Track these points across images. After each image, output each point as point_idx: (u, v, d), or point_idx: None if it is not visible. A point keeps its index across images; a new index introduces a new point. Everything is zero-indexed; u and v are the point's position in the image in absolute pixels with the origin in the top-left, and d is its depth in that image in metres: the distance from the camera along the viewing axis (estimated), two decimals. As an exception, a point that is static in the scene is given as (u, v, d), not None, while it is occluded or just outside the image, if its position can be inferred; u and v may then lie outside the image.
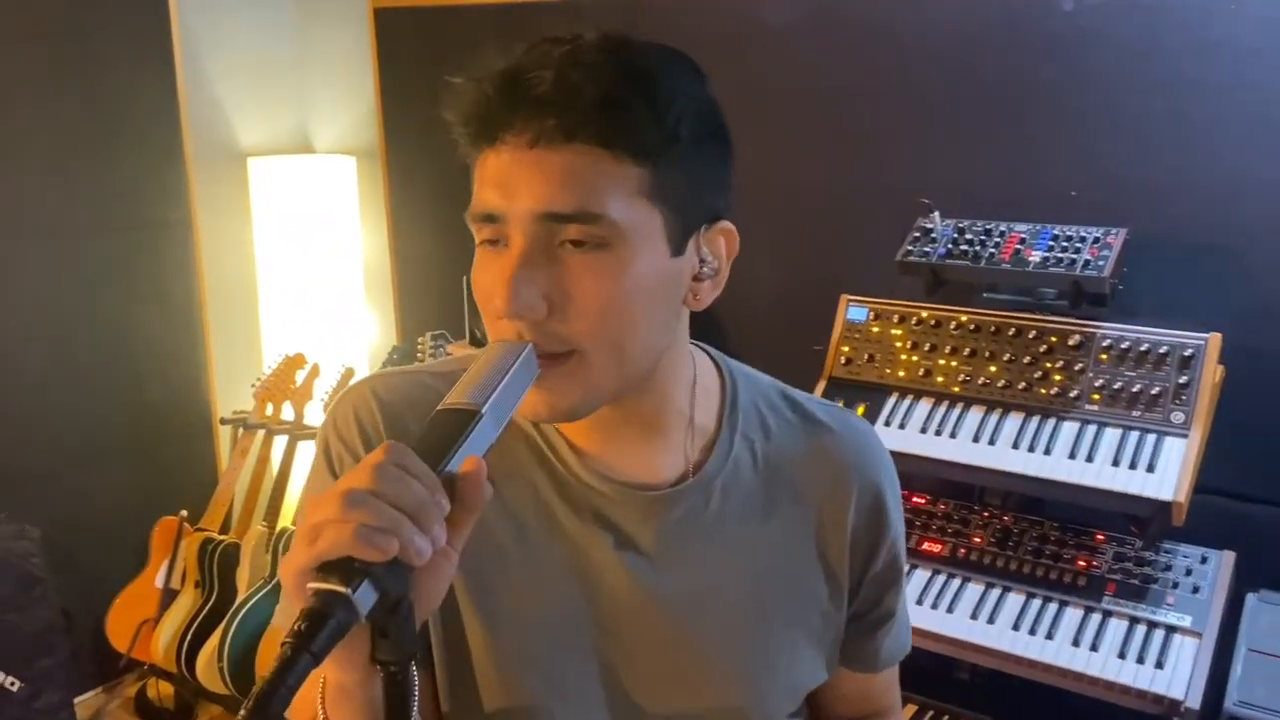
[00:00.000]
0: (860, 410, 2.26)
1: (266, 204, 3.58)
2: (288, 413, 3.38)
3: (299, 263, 3.58)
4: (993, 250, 2.17)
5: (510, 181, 0.84)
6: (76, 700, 3.03)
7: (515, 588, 0.95)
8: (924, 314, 2.30)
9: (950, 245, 2.21)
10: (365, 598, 0.66)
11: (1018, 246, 2.16)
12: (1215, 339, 2.02)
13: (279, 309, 3.63)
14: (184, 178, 3.39)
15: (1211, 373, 2.00)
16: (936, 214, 2.26)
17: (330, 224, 3.60)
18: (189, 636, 3.10)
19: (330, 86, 3.69)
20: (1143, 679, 1.88)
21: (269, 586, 3.05)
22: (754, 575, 1.01)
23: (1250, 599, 2.03)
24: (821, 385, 2.36)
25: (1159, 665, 1.89)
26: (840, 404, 1.16)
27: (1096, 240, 2.10)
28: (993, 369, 2.19)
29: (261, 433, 3.35)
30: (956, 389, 2.21)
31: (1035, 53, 2.41)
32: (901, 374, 2.29)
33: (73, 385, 3.18)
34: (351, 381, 1.12)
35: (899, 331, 2.31)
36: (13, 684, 2.81)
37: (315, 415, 3.32)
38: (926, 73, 2.54)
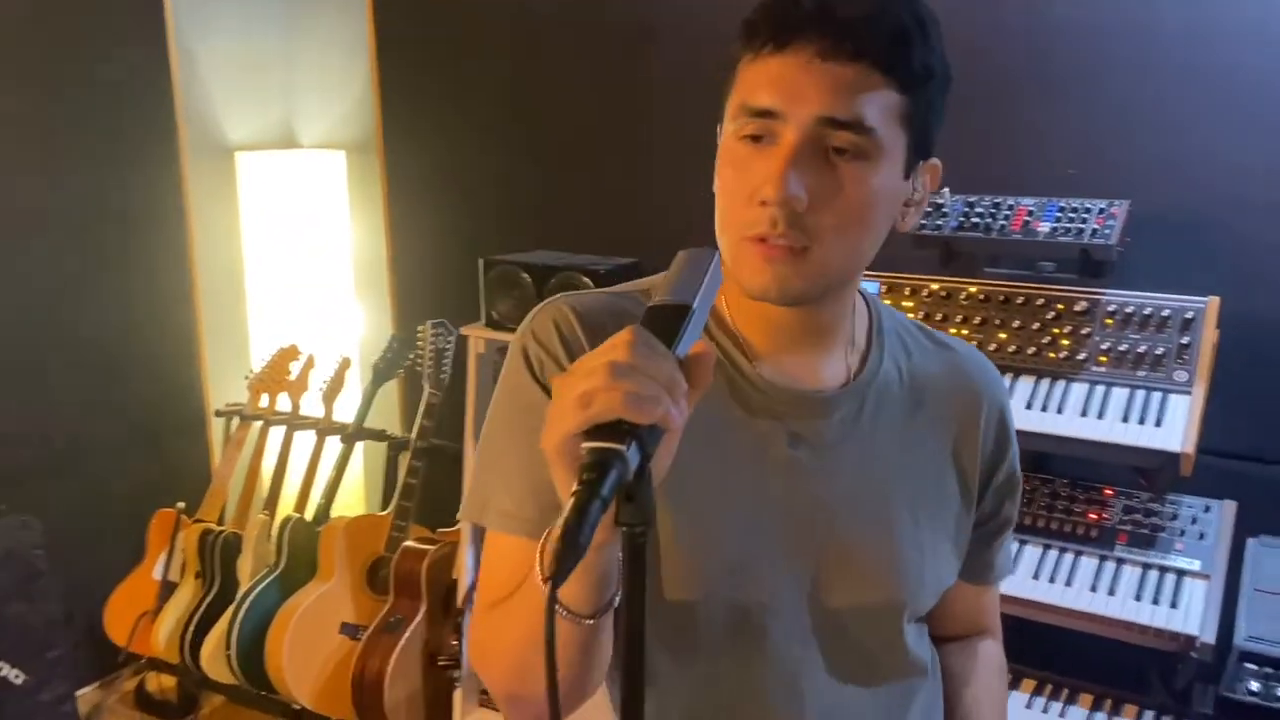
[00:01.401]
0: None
1: (254, 198, 3.59)
2: (282, 403, 3.38)
3: (287, 257, 3.59)
4: (1003, 222, 2.29)
5: (795, 85, 0.93)
6: (76, 694, 2.99)
7: (699, 480, 1.02)
8: (934, 286, 2.41)
9: (961, 219, 2.32)
10: (633, 456, 0.72)
11: (1026, 218, 2.28)
12: (1214, 302, 2.15)
13: (268, 302, 3.64)
14: (177, 172, 3.39)
15: (1212, 333, 2.14)
16: (946, 189, 2.37)
17: (319, 218, 3.62)
18: (192, 627, 3.09)
19: (320, 80, 3.70)
20: (1159, 618, 2.00)
21: (275, 573, 3.05)
22: (903, 478, 1.10)
23: (1251, 544, 2.17)
24: (836, 356, 2.45)
25: (1173, 605, 2.01)
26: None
27: (1101, 211, 2.23)
28: (1003, 336, 2.30)
29: (258, 424, 3.35)
30: (969, 356, 2.32)
31: (1034, 35, 2.54)
32: (914, 343, 2.39)
33: (66, 377, 3.16)
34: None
35: (910, 304, 2.42)
36: (18, 676, 2.78)
37: (312, 405, 3.33)
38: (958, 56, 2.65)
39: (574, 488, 0.70)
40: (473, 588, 2.79)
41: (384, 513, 3.12)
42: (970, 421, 1.15)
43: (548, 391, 1.01)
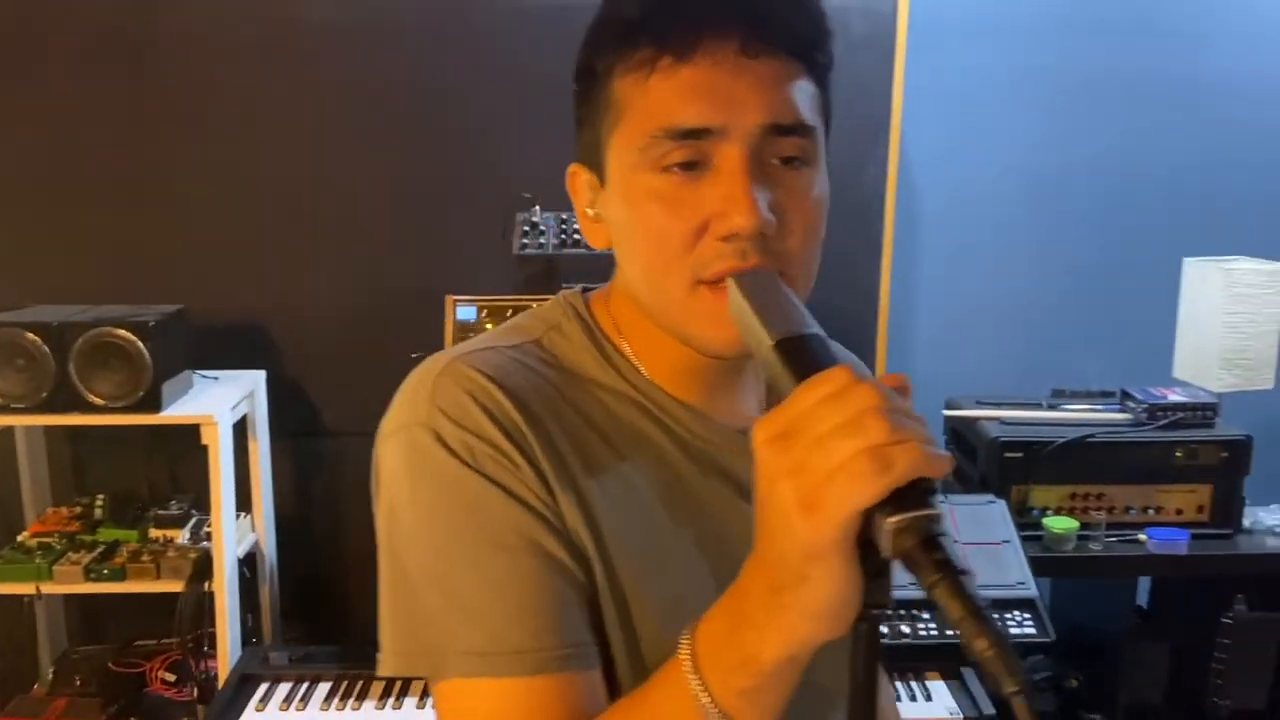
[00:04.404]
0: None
1: None
2: None
3: None
4: (605, 237, 2.32)
5: (725, 91, 0.78)
6: None
7: (665, 553, 0.87)
8: (534, 306, 2.36)
9: (562, 236, 2.31)
10: None
11: (623, 231, 2.34)
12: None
13: None
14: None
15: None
16: (537, 206, 2.35)
17: None
18: None
19: None
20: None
21: None
22: None
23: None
24: (446, 389, 2.31)
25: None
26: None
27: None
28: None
29: None
30: (581, 372, 2.32)
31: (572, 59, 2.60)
32: (525, 365, 2.33)
33: None
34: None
35: (513, 326, 2.35)
36: None
37: None
38: (510, 70, 2.59)
39: (932, 577, 0.56)
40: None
41: None
42: None
43: (498, 484, 0.79)
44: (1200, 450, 2.45)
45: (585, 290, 0.97)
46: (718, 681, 0.68)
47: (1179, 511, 2.47)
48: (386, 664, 0.83)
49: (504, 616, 0.78)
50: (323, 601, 2.72)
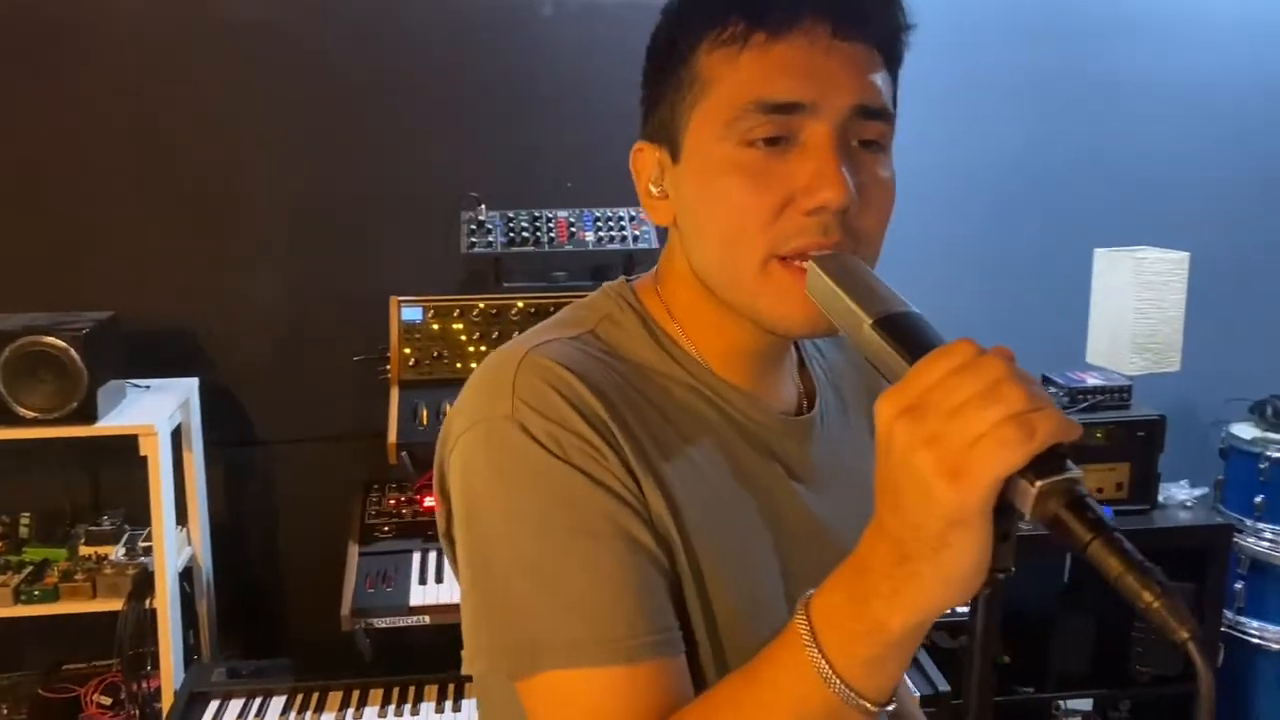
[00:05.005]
0: (447, 408, 2.25)
1: None
2: None
3: None
4: (552, 235, 2.32)
5: (824, 71, 0.79)
6: None
7: (726, 521, 0.89)
8: (482, 304, 2.35)
9: (510, 234, 2.30)
10: None
11: (570, 230, 2.34)
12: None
13: None
14: None
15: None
16: (483, 205, 2.33)
17: None
18: None
19: None
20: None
21: None
22: (867, 483, 1.06)
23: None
24: (395, 391, 2.27)
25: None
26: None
27: (633, 218, 2.37)
28: (560, 346, 2.33)
29: None
30: (530, 370, 2.31)
31: (520, 54, 2.58)
32: (474, 365, 2.31)
33: None
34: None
35: (460, 325, 2.33)
36: None
37: None
38: (432, 73, 2.56)
39: (1087, 537, 0.59)
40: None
41: None
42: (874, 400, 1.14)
43: (587, 474, 0.80)
44: (1118, 431, 2.59)
45: (628, 279, 0.98)
46: (841, 652, 0.70)
47: (1100, 490, 2.59)
48: (476, 661, 0.83)
49: (601, 605, 0.78)
50: (260, 615, 2.64)
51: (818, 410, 1.00)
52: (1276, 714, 2.75)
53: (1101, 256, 2.75)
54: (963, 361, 0.64)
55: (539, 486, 0.80)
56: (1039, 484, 0.61)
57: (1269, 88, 3.03)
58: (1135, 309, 2.66)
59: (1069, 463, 0.62)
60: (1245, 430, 2.74)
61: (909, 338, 0.72)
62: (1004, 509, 0.63)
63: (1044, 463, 0.61)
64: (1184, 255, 2.66)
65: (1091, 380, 2.67)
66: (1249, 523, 2.68)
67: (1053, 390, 2.64)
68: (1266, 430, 2.71)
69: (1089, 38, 2.93)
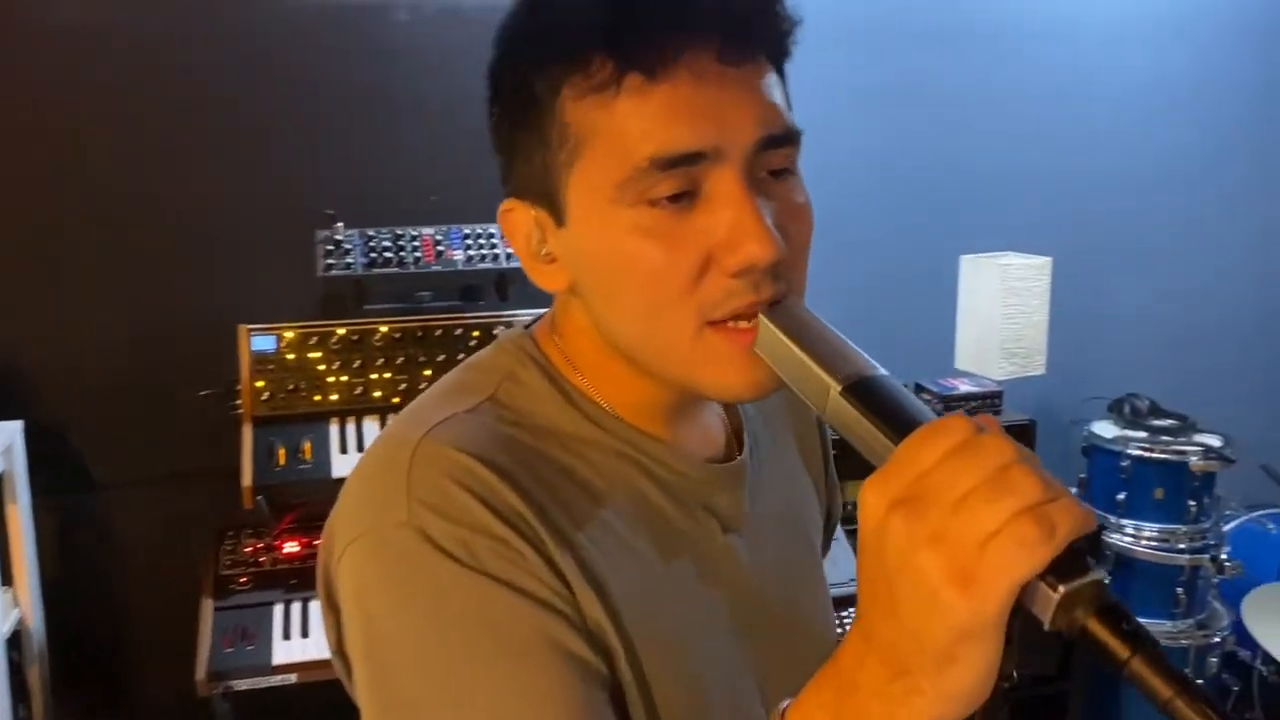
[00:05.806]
0: (306, 446, 2.09)
1: None
2: None
3: None
4: (418, 254, 2.18)
5: (714, 108, 0.69)
6: None
7: (662, 602, 0.80)
8: (342, 331, 2.19)
9: (372, 255, 2.15)
10: None
11: (438, 248, 2.20)
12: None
13: None
14: None
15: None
16: (340, 224, 2.17)
17: None
18: None
19: None
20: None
21: None
22: (798, 520, 0.99)
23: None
24: (248, 428, 2.09)
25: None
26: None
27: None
28: (429, 372, 2.20)
29: None
30: (397, 399, 2.17)
31: (378, 59, 2.42)
32: (335, 397, 2.16)
33: None
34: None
35: (318, 355, 2.17)
36: None
37: None
38: (280, 79, 2.38)
39: (1125, 653, 0.52)
40: None
41: None
42: (803, 425, 1.02)
43: (506, 583, 0.69)
44: (992, 436, 2.62)
45: (526, 328, 0.87)
46: None
47: (974, 494, 2.62)
48: None
49: None
50: (105, 681, 2.41)
51: (747, 449, 0.91)
52: (1145, 713, 2.83)
53: (967, 263, 2.78)
54: (960, 442, 0.55)
55: (451, 604, 0.68)
56: (1062, 589, 0.53)
57: (1127, 90, 3.12)
58: (1002, 314, 2.69)
59: (1090, 559, 0.55)
60: (1106, 429, 2.81)
61: (886, 409, 0.64)
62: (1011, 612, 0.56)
63: (1065, 563, 0.53)
64: (1046, 260, 2.71)
65: (964, 387, 2.69)
66: (1113, 519, 2.75)
67: (925, 398, 2.64)
68: (1125, 428, 2.78)
69: (957, 47, 2.95)
